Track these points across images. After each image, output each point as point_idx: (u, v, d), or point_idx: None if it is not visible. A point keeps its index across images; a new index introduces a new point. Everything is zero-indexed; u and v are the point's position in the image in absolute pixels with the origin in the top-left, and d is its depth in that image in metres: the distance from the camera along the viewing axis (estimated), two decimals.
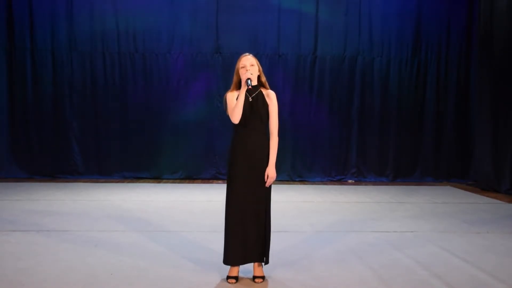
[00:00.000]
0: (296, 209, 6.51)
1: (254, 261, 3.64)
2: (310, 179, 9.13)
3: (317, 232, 5.20)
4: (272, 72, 8.73)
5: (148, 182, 8.69)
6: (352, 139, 9.24)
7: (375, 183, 9.06)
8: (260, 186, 3.58)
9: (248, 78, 3.49)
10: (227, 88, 3.75)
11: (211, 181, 8.96)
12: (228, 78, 7.94)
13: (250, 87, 3.49)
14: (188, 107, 9.00)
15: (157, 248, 4.49)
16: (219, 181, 8.83)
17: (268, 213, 3.63)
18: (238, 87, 3.67)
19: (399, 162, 9.28)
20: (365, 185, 8.84)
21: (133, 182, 8.73)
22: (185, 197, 7.33)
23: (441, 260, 4.24)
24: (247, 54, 3.67)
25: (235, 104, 3.54)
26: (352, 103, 9.20)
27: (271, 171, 3.59)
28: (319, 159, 9.20)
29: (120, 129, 8.98)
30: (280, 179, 7.95)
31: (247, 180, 3.56)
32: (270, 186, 3.64)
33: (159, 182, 8.73)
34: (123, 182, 8.71)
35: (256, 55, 3.85)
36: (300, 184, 8.85)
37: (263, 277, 3.66)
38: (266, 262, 3.67)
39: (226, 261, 3.62)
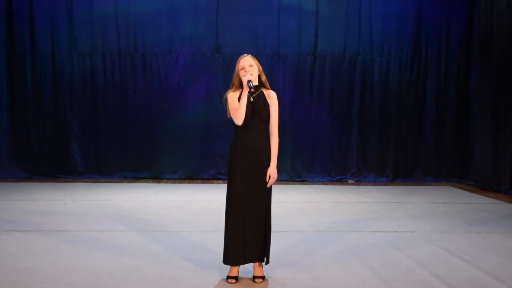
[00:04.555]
0: (296, 209, 6.51)
1: (254, 261, 3.64)
2: (310, 179, 9.13)
3: (317, 232, 5.20)
4: (272, 72, 8.73)
5: (148, 182, 8.69)
6: (352, 139, 9.23)
7: (375, 183, 9.06)
8: (260, 186, 3.58)
9: (249, 80, 3.49)
10: (227, 88, 3.75)
11: (211, 181, 8.96)
12: (228, 78, 7.93)
13: (252, 89, 3.48)
14: (188, 107, 9.01)
15: (157, 248, 4.49)
16: (219, 181, 8.83)
17: (268, 213, 3.63)
18: (238, 87, 3.67)
19: (399, 162, 9.28)
20: (365, 185, 8.84)
21: (133, 182, 8.73)
22: (185, 197, 7.32)
23: (441, 260, 4.24)
24: (246, 55, 3.67)
25: (237, 106, 3.53)
26: (352, 103, 9.20)
27: (273, 172, 3.60)
28: (319, 159, 9.19)
29: (120, 129, 8.97)
30: (280, 179, 7.89)
31: (247, 180, 3.56)
32: (270, 186, 3.64)
33: (159, 182, 8.73)
34: (123, 182, 8.70)
35: (256, 55, 3.86)
36: (300, 184, 8.85)
37: (263, 277, 3.66)
38: (267, 262, 3.67)
39: (226, 261, 3.62)
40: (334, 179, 9.18)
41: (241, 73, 3.59)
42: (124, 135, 8.99)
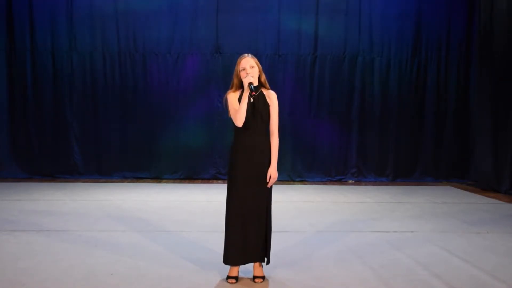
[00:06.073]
0: (296, 209, 6.51)
1: (254, 261, 3.64)
2: (310, 179, 9.13)
3: (317, 232, 5.20)
4: (272, 72, 8.73)
5: (148, 182, 8.69)
6: (352, 139, 9.23)
7: (375, 183, 9.06)
8: (261, 186, 3.58)
9: (250, 83, 3.48)
10: (227, 88, 3.74)
11: (211, 181, 8.96)
12: (228, 78, 7.93)
13: (254, 93, 3.47)
14: (188, 107, 9.00)
15: (157, 248, 4.50)
16: (219, 181, 8.83)
17: (269, 213, 3.63)
18: (238, 87, 3.66)
19: (399, 162, 9.28)
20: (365, 185, 8.84)
21: (133, 182, 8.73)
22: (185, 197, 7.32)
23: (441, 260, 4.24)
24: (246, 55, 3.65)
25: (238, 108, 3.52)
26: (352, 103, 9.20)
27: (273, 172, 3.59)
28: (319, 159, 9.19)
29: (120, 129, 8.97)
30: (280, 179, 7.86)
31: (248, 180, 3.56)
32: (271, 186, 3.64)
33: (159, 182, 8.73)
34: (123, 182, 8.70)
35: (256, 55, 3.84)
36: (300, 184, 8.85)
37: (263, 277, 3.66)
38: (267, 262, 3.67)
39: (226, 261, 3.61)
40: (334, 179, 9.18)
41: (242, 74, 3.58)
42: (124, 135, 8.98)
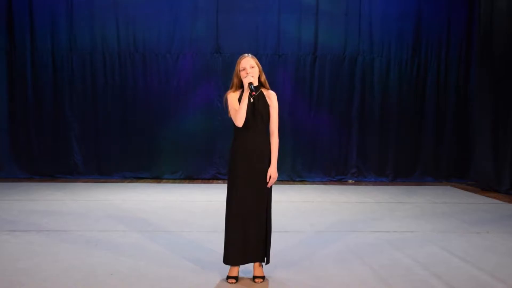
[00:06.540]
0: (296, 209, 6.51)
1: (254, 261, 3.64)
2: (310, 179, 9.13)
3: (317, 232, 5.20)
4: (272, 72, 8.72)
5: (148, 182, 8.69)
6: (352, 139, 9.23)
7: (375, 183, 9.06)
8: (261, 186, 3.58)
9: (250, 83, 3.48)
10: (227, 88, 3.74)
11: (211, 181, 8.96)
12: (228, 78, 7.89)
13: (254, 93, 3.47)
14: (188, 107, 9.01)
15: (157, 248, 4.50)
16: (219, 181, 8.83)
17: (269, 213, 3.63)
18: (238, 87, 3.66)
19: (399, 162, 9.27)
20: (365, 185, 8.84)
21: (133, 182, 8.73)
22: (185, 197, 7.32)
23: (441, 260, 4.24)
24: (246, 55, 3.65)
25: (238, 108, 3.52)
26: (352, 103, 9.20)
27: (273, 172, 3.59)
28: (319, 159, 9.19)
29: (120, 129, 8.98)
30: (280, 179, 7.89)
31: (248, 180, 3.56)
32: (271, 186, 3.64)
33: (159, 182, 8.73)
34: (123, 182, 8.70)
35: (256, 55, 3.84)
36: (300, 184, 8.85)
37: (263, 277, 3.66)
38: (267, 262, 3.67)
39: (227, 260, 3.61)
40: (334, 179, 9.18)
41: (242, 74, 3.57)
42: (124, 135, 8.99)
